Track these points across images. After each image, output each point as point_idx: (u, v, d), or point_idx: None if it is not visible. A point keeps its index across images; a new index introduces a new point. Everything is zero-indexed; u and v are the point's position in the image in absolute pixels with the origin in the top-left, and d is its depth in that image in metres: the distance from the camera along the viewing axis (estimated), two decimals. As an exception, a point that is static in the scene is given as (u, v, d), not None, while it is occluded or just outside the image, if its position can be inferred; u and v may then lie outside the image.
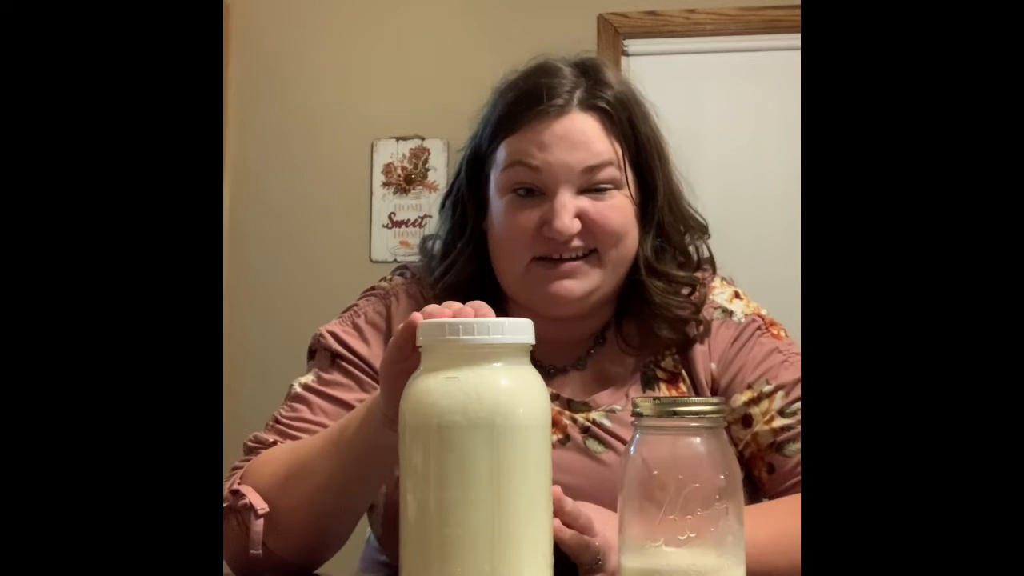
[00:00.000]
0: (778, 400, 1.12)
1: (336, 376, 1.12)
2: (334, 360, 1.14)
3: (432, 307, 0.85)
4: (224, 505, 1.00)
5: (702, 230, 1.20)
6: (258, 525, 0.99)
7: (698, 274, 1.18)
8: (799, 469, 1.10)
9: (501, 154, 1.11)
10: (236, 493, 1.01)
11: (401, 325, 0.84)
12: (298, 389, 1.14)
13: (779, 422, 1.11)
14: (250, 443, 1.10)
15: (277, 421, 1.12)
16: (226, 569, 1.02)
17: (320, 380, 1.13)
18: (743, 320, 1.16)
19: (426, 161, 3.22)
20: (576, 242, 1.08)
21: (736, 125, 3.11)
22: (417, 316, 0.82)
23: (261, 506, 0.99)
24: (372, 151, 3.24)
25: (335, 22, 3.29)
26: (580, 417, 1.12)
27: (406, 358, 0.83)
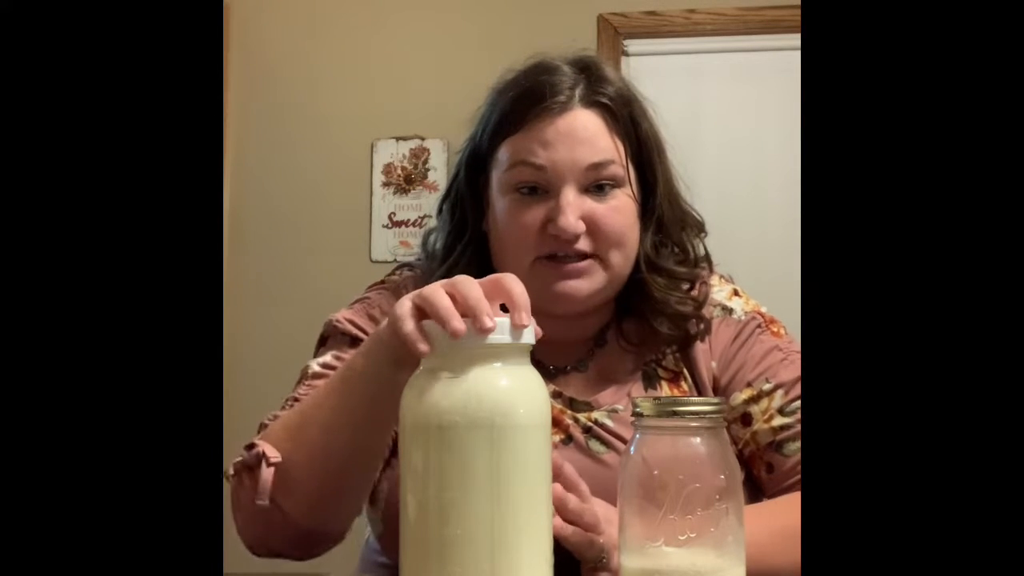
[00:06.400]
0: (777, 399, 1.12)
1: None
2: (354, 343, 1.11)
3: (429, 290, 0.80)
4: (238, 461, 0.97)
5: (699, 227, 1.20)
6: (268, 473, 0.95)
7: (697, 271, 1.18)
8: (798, 468, 1.09)
9: (503, 154, 1.11)
10: (250, 447, 0.98)
11: (411, 342, 0.78)
12: (316, 368, 1.11)
13: (778, 421, 1.11)
14: (268, 420, 1.07)
15: (296, 400, 1.08)
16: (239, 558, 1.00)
17: (340, 360, 1.10)
18: (743, 318, 1.16)
19: (426, 161, 3.22)
20: (580, 243, 1.08)
21: (736, 125, 3.11)
22: (424, 347, 0.77)
23: (274, 455, 0.95)
24: (372, 151, 3.24)
25: (335, 22, 3.29)
26: (582, 417, 1.12)
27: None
